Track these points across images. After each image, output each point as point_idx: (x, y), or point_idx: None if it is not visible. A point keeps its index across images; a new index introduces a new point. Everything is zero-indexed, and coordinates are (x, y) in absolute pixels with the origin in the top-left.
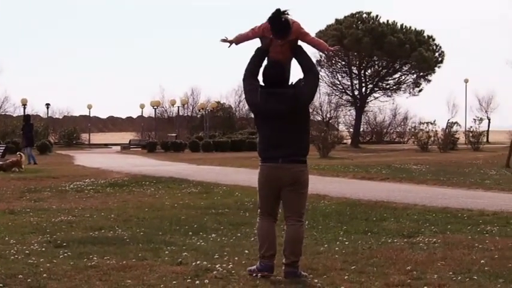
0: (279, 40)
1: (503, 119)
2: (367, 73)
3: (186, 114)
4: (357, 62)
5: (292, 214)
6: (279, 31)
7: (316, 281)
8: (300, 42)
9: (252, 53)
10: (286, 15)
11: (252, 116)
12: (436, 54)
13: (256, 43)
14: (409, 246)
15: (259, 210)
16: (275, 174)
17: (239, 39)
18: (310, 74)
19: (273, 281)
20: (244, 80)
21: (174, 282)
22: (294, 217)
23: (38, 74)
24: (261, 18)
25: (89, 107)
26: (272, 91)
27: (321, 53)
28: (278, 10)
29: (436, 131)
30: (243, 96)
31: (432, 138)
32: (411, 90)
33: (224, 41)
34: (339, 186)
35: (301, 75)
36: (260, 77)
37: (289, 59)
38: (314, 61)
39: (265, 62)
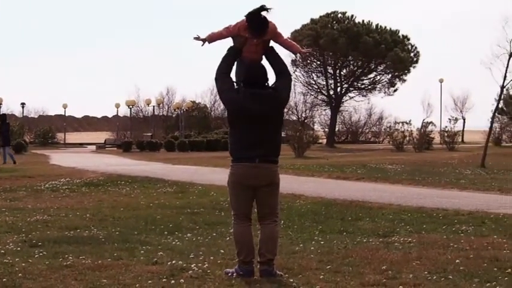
0: (255, 39)
1: (478, 119)
2: (342, 73)
3: (161, 114)
4: (332, 62)
5: (268, 214)
6: (257, 28)
7: (291, 280)
8: (272, 43)
9: (224, 51)
10: (265, 14)
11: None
12: (412, 54)
13: (228, 42)
14: (384, 245)
15: (233, 213)
16: (252, 174)
17: (212, 38)
18: (285, 76)
19: (248, 281)
20: (217, 79)
21: (150, 281)
22: (269, 217)
23: (12, 74)
24: (236, 17)
25: (64, 106)
26: (258, 91)
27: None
28: (262, 6)
29: (411, 130)
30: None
31: (407, 138)
32: (386, 90)
33: (197, 39)
34: (314, 185)
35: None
36: (233, 76)
37: (261, 59)
38: (289, 61)
39: (241, 62)
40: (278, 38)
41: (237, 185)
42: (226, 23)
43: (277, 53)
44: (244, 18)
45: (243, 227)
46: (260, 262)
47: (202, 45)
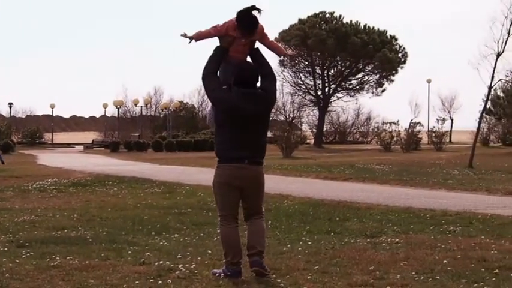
0: (244, 39)
1: (466, 119)
2: (330, 73)
3: (149, 114)
4: (320, 62)
5: (255, 213)
6: (248, 27)
7: (279, 281)
8: (258, 44)
9: (211, 51)
10: (256, 12)
11: None
12: (400, 55)
13: (215, 41)
14: (371, 246)
15: (220, 214)
16: (240, 175)
17: (200, 36)
18: (272, 78)
19: (235, 281)
20: (205, 78)
21: (137, 282)
22: (256, 215)
23: (0, 74)
24: (223, 16)
25: (52, 106)
26: (252, 91)
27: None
28: (253, 6)
29: (399, 131)
30: (206, 95)
31: (395, 138)
32: (374, 90)
33: (184, 36)
34: (302, 186)
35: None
36: (220, 76)
37: (246, 59)
38: (277, 61)
39: (227, 63)
40: (264, 39)
41: (225, 186)
42: (213, 22)
43: (262, 54)
44: (233, 17)
45: (231, 228)
46: (250, 255)
47: (190, 42)
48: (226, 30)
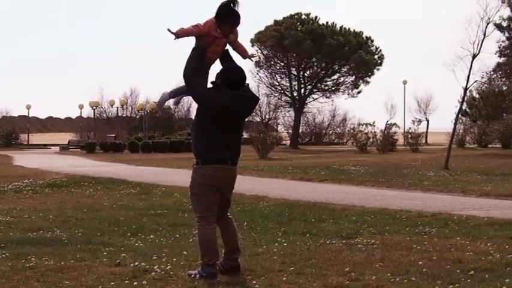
0: (225, 38)
1: (442, 120)
2: (306, 74)
3: (125, 115)
4: (296, 63)
5: (226, 213)
6: (233, 21)
7: (254, 282)
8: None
9: (189, 52)
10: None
11: (192, 117)
12: (376, 56)
13: (191, 40)
14: (347, 247)
15: (200, 216)
16: (224, 176)
17: (183, 33)
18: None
19: (211, 283)
20: (189, 78)
21: (112, 283)
22: (226, 214)
23: None
24: (197, 17)
25: (28, 107)
26: (243, 94)
27: (260, 55)
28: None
29: (374, 132)
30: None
31: (371, 140)
32: (350, 91)
33: (169, 31)
34: (278, 187)
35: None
36: (210, 77)
37: None
38: (253, 62)
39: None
40: (236, 40)
41: (209, 187)
42: (189, 22)
43: (232, 57)
44: (211, 17)
45: (210, 230)
46: (235, 258)
47: (175, 39)
48: (208, 30)
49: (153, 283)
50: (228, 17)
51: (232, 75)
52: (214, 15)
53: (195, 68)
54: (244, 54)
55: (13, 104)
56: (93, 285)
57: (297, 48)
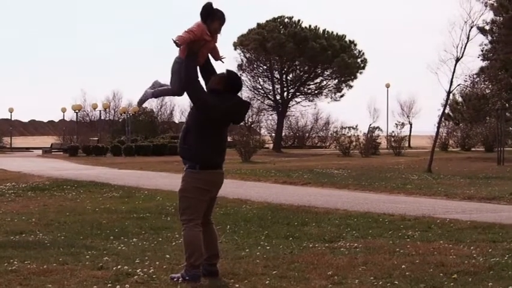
0: (213, 40)
1: (425, 124)
2: (288, 78)
3: (107, 118)
4: (279, 67)
5: (210, 216)
6: (222, 16)
7: (237, 285)
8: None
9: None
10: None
11: (175, 120)
12: (359, 60)
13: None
14: (330, 250)
15: (190, 219)
16: (217, 180)
17: (182, 41)
18: None
19: (194, 286)
20: (189, 85)
21: (95, 286)
22: (210, 218)
23: None
24: (184, 18)
25: (11, 110)
26: (242, 100)
27: (242, 58)
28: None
29: (357, 135)
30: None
31: (354, 143)
32: (333, 95)
33: (174, 42)
34: (261, 190)
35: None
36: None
37: None
38: (236, 65)
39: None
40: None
41: (202, 192)
42: (170, 26)
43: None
44: (197, 22)
45: (198, 232)
46: (214, 264)
47: (179, 47)
48: (201, 34)
49: (135, 286)
50: (217, 12)
51: (237, 81)
52: (200, 18)
53: (194, 75)
54: (217, 56)
55: None
56: None
57: (279, 50)
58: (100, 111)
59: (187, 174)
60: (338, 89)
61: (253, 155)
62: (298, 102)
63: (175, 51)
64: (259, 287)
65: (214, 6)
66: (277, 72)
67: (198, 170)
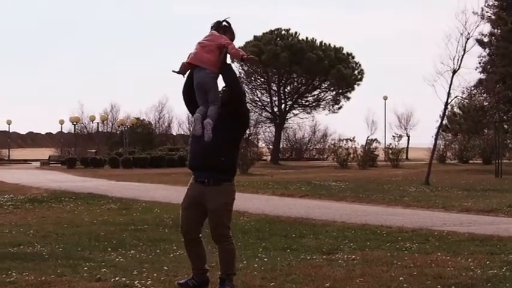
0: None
1: (423, 136)
2: (286, 90)
3: (105, 130)
4: (276, 79)
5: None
6: (233, 39)
7: None
8: None
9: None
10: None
11: (172, 133)
12: (356, 72)
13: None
14: (328, 263)
15: (230, 231)
16: None
17: (242, 55)
18: None
19: None
20: (244, 95)
21: None
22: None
23: None
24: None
25: (9, 122)
26: None
27: (240, 70)
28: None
29: (355, 147)
30: (164, 112)
31: (352, 155)
32: (330, 107)
33: (245, 58)
34: (259, 202)
35: None
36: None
37: None
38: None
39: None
40: None
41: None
42: (167, 40)
43: None
44: (212, 32)
45: None
46: (207, 271)
47: (245, 62)
48: (219, 39)
49: None
50: (228, 24)
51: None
52: (211, 30)
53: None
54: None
55: None
56: None
57: (274, 61)
58: (98, 123)
59: (229, 188)
60: (336, 101)
61: (251, 167)
62: (296, 115)
63: (170, 66)
64: None
65: (214, 20)
66: (274, 84)
67: (233, 182)
